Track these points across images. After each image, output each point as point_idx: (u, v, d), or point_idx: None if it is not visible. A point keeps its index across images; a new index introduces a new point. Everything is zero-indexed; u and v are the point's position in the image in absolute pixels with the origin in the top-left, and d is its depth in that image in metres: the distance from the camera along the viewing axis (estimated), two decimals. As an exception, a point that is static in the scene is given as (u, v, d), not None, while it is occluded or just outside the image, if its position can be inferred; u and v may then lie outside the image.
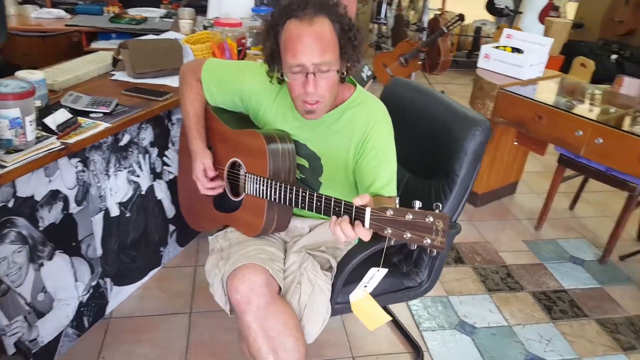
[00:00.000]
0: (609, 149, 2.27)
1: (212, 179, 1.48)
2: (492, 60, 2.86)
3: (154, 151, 2.08)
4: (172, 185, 2.23)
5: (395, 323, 2.05)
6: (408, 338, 1.99)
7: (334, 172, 1.44)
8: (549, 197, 2.75)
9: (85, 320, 1.92)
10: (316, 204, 1.21)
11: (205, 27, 2.50)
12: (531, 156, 3.19)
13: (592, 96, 2.78)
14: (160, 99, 1.80)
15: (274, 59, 1.28)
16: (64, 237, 1.73)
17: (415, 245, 1.05)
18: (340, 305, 1.50)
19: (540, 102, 2.50)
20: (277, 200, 1.32)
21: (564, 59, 4.16)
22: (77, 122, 1.52)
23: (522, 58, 2.75)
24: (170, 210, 2.27)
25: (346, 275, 1.45)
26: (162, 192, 2.19)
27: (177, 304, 2.09)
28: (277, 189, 1.31)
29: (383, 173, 1.34)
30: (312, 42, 1.19)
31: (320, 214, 1.21)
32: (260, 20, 2.40)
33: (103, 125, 1.55)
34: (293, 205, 1.28)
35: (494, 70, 2.85)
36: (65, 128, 1.46)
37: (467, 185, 1.56)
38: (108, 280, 2.00)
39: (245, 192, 1.42)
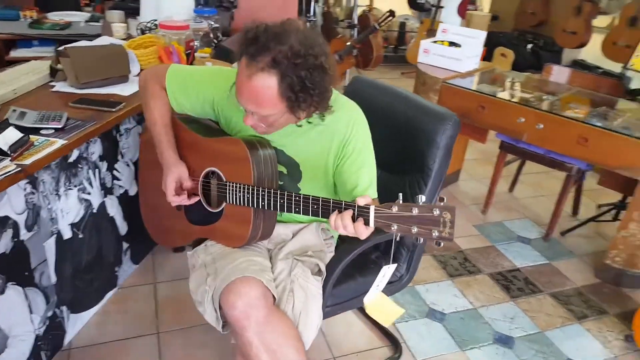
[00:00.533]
0: (549, 133, 2.42)
1: (183, 190, 1.41)
2: (431, 54, 2.95)
3: (104, 165, 1.95)
4: (123, 200, 2.10)
5: (370, 319, 2.07)
6: (384, 332, 2.02)
7: (313, 178, 1.42)
8: (493, 181, 2.89)
9: (43, 355, 1.76)
10: (312, 207, 1.18)
11: (143, 31, 2.37)
12: (469, 144, 3.34)
13: (525, 84, 2.95)
14: (113, 109, 1.68)
15: None
16: (16, 268, 1.57)
17: (422, 239, 1.05)
18: (329, 307, 1.49)
19: (483, 93, 2.61)
20: (265, 208, 1.28)
21: (486, 49, 4.38)
22: (30, 141, 1.38)
23: (460, 51, 2.86)
24: (122, 227, 2.14)
25: (336, 278, 1.44)
26: (113, 208, 2.06)
27: (142, 325, 1.97)
28: (266, 195, 1.26)
29: (365, 176, 1.35)
30: (250, 94, 1.15)
31: (318, 216, 1.18)
32: (206, 22, 2.31)
33: (59, 142, 1.42)
34: (286, 211, 1.24)
35: (434, 65, 2.94)
36: (18, 148, 1.33)
37: (441, 178, 1.59)
38: (64, 308, 1.85)
39: (226, 202, 1.36)
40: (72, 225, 1.81)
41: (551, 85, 2.94)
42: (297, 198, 1.21)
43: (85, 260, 1.92)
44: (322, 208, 1.17)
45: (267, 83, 1.12)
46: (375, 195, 1.36)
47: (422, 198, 1.04)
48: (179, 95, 1.42)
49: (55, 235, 1.73)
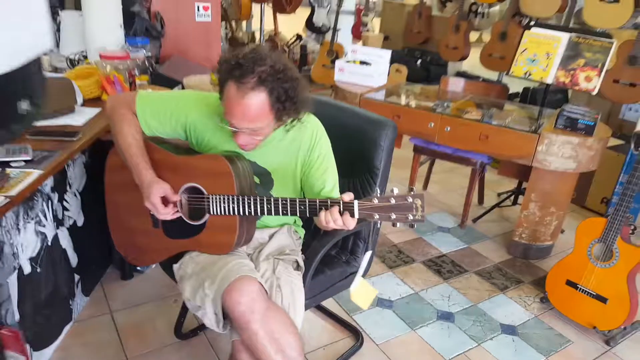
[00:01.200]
0: (456, 134, 2.79)
1: (168, 206, 1.49)
2: (346, 72, 3.24)
3: (55, 196, 1.94)
4: (73, 231, 2.09)
5: (329, 314, 2.24)
6: (344, 324, 2.20)
7: (284, 184, 1.58)
8: (412, 181, 3.23)
9: (13, 396, 1.71)
10: (300, 207, 1.35)
11: (72, 62, 2.38)
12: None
13: (427, 94, 3.34)
14: (74, 139, 1.71)
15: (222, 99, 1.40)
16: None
17: (399, 224, 1.27)
18: (307, 300, 1.64)
19: (398, 104, 2.93)
20: (252, 214, 1.41)
21: (383, 66, 4.82)
22: (6, 174, 1.40)
23: (371, 69, 3.18)
24: (73, 259, 2.12)
25: (313, 271, 1.60)
26: (65, 240, 2.04)
27: (107, 355, 1.96)
28: (252, 203, 1.40)
29: (330, 179, 1.55)
30: (245, 113, 1.32)
31: (305, 216, 1.35)
32: (142, 51, 2.38)
33: (35, 172, 1.44)
34: (273, 214, 1.38)
35: (349, 82, 3.23)
36: (-2, 181, 1.34)
37: (387, 175, 1.83)
38: (27, 346, 1.80)
39: (210, 213, 1.47)
40: (31, 259, 1.79)
41: (449, 94, 3.37)
42: (284, 202, 1.36)
43: (44, 294, 1.89)
44: (309, 208, 1.34)
45: (259, 99, 1.29)
46: (338, 195, 1.56)
47: (395, 190, 1.26)
48: (149, 118, 1.52)
49: (17, 271, 1.70)
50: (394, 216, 1.24)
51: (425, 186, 3.65)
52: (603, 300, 2.20)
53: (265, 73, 1.28)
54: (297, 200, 1.35)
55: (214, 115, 1.51)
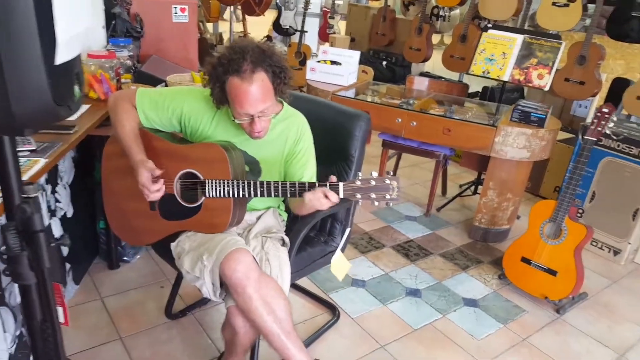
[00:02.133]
0: (421, 128, 3.02)
1: (155, 183, 1.61)
2: (317, 72, 3.43)
3: (48, 188, 2.06)
4: (64, 222, 2.21)
5: (307, 292, 2.43)
6: (321, 301, 2.39)
7: (271, 173, 1.77)
8: (380, 174, 3.43)
9: (16, 373, 1.82)
10: (290, 190, 1.52)
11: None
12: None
13: (393, 93, 3.56)
14: (71, 131, 1.84)
15: (222, 102, 1.58)
16: (-11, 286, 1.66)
17: (377, 203, 1.47)
18: (292, 274, 1.81)
19: (367, 101, 3.15)
20: (246, 196, 1.58)
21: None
22: (16, 161, 1.52)
23: (342, 69, 3.38)
24: (65, 248, 2.23)
25: (296, 249, 1.78)
26: (57, 229, 2.16)
27: (101, 335, 2.09)
28: (246, 186, 1.56)
29: (309, 170, 1.76)
30: (255, 97, 1.50)
31: (295, 197, 1.52)
32: (126, 51, 2.50)
33: (42, 161, 1.57)
34: (266, 196, 1.56)
35: (321, 81, 3.42)
36: (10, 167, 1.47)
37: (361, 163, 2.03)
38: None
39: (206, 196, 1.63)
40: (30, 246, 1.90)
41: (414, 92, 3.61)
42: (276, 184, 1.54)
43: (41, 280, 2.00)
44: (298, 189, 1.52)
45: (261, 79, 1.49)
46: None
47: (374, 173, 1.46)
48: (148, 111, 1.68)
49: (18, 256, 1.82)
50: (373, 195, 1.44)
51: (392, 179, 3.87)
52: (553, 273, 2.46)
53: (255, 56, 1.47)
54: (288, 183, 1.53)
55: (208, 108, 1.67)
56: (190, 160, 1.66)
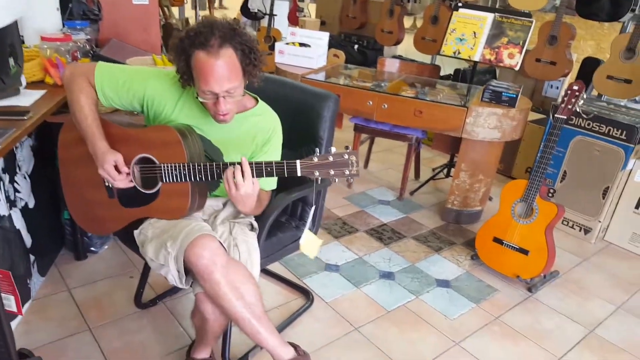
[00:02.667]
0: (393, 110, 3.00)
1: (121, 174, 1.56)
2: (286, 54, 3.37)
3: (6, 178, 1.98)
4: (25, 213, 2.13)
5: (280, 278, 2.41)
6: (295, 286, 2.37)
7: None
8: (353, 158, 3.41)
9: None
10: (257, 169, 1.46)
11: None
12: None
13: (364, 75, 3.53)
14: (25, 117, 1.75)
15: (187, 79, 1.50)
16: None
17: (336, 179, 1.42)
18: (262, 260, 1.78)
19: (337, 84, 3.11)
20: (203, 179, 1.52)
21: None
22: (-36, 149, 1.45)
23: (311, 51, 3.33)
24: (28, 240, 2.16)
25: (266, 234, 1.75)
26: (19, 220, 2.08)
27: (70, 326, 2.03)
28: (202, 169, 1.50)
29: None
30: (220, 73, 1.42)
31: (253, 177, 1.46)
32: (82, 34, 2.41)
33: (-7, 148, 1.50)
34: (222, 178, 1.50)
35: (289, 63, 3.37)
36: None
37: (330, 144, 1.99)
38: None
39: (163, 181, 1.57)
40: (-12, 238, 1.83)
41: (385, 74, 3.58)
42: (232, 164, 1.46)
43: (1, 273, 1.93)
44: (255, 170, 1.45)
45: (229, 55, 1.42)
46: (274, 187, 1.75)
47: (333, 149, 1.42)
48: (108, 90, 1.60)
49: (-25, 249, 1.75)
50: (332, 172, 1.40)
51: (365, 165, 3.86)
52: (525, 252, 2.48)
53: (224, 32, 1.41)
54: (246, 162, 1.45)
55: (173, 91, 1.61)
56: (144, 144, 1.59)
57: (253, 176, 1.44)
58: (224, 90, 1.45)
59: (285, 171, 1.44)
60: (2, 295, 1.30)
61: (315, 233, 2.04)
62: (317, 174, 1.41)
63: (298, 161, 1.42)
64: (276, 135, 1.72)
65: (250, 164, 1.44)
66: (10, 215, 2.00)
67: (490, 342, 2.15)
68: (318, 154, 1.42)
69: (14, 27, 0.80)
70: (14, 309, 1.27)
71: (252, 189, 1.44)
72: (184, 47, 1.43)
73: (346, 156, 1.39)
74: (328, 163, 1.40)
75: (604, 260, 2.90)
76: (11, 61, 0.80)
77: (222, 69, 1.42)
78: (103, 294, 2.24)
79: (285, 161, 1.44)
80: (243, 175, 1.42)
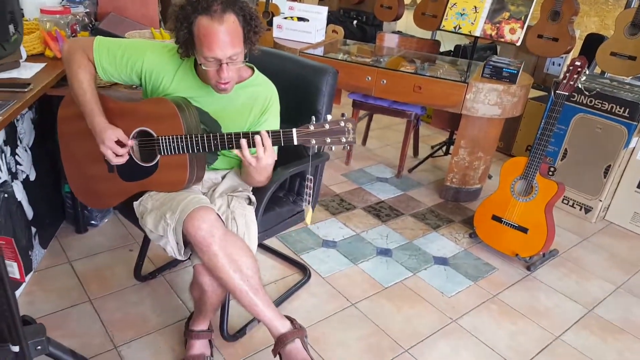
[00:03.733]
0: (391, 86, 2.98)
1: (123, 149, 1.57)
2: (284, 29, 3.34)
3: (8, 150, 1.98)
4: (26, 185, 2.13)
5: (278, 253, 2.42)
6: (292, 262, 2.39)
7: None
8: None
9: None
10: (243, 139, 1.45)
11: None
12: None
13: (363, 51, 3.50)
14: (25, 90, 1.75)
15: (188, 47, 1.48)
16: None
17: (333, 147, 1.42)
18: (260, 234, 1.79)
19: (335, 59, 3.08)
20: (201, 150, 1.51)
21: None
22: (-37, 120, 1.44)
23: (309, 25, 3.29)
24: (29, 212, 2.17)
25: (264, 208, 1.75)
26: (20, 192, 2.09)
27: (71, 297, 2.06)
28: (200, 140, 1.49)
29: None
30: (224, 38, 1.41)
31: (250, 147, 1.46)
32: (81, 7, 2.38)
33: (-8, 119, 1.50)
34: (220, 149, 1.50)
35: (288, 38, 3.34)
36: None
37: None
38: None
39: (161, 154, 1.57)
40: (-11, 210, 1.84)
41: (385, 50, 3.54)
42: (229, 135, 1.47)
43: (2, 245, 1.94)
44: (252, 139, 1.44)
45: (232, 21, 1.41)
46: (275, 157, 1.67)
47: (329, 117, 1.41)
48: (106, 64, 1.59)
49: (-24, 220, 1.76)
50: (328, 140, 1.40)
51: (364, 142, 3.85)
52: (524, 230, 2.49)
53: None
54: (241, 133, 1.45)
55: (171, 63, 1.60)
56: (142, 117, 1.58)
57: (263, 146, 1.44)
58: (227, 56, 1.44)
59: (282, 139, 1.43)
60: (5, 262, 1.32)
61: (313, 209, 2.05)
62: (313, 142, 1.40)
63: (294, 129, 1.41)
64: (274, 104, 1.70)
65: (247, 133, 1.44)
66: (11, 187, 2.00)
67: (488, 320, 2.17)
68: (314, 122, 1.41)
69: (13, -4, 0.79)
70: (17, 275, 1.29)
71: (272, 160, 1.47)
72: (186, 14, 1.42)
73: (342, 123, 1.39)
74: (324, 131, 1.40)
75: (604, 239, 2.91)
76: (11, 28, 0.79)
77: (226, 34, 1.41)
78: (103, 266, 2.26)
79: (281, 129, 1.43)
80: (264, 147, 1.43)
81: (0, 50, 0.77)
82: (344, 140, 1.39)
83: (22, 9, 2.50)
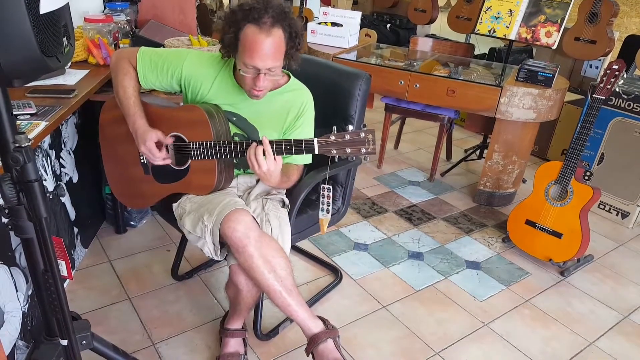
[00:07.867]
0: (424, 90, 2.98)
1: (160, 150, 1.63)
2: (318, 35, 3.38)
3: (53, 153, 2.08)
4: (70, 186, 2.23)
5: (310, 255, 2.46)
6: (324, 264, 2.42)
7: None
8: (383, 140, 3.42)
9: (29, 330, 1.87)
10: (285, 147, 1.50)
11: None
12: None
13: (397, 55, 3.51)
14: (71, 96, 1.84)
15: (230, 49, 1.55)
16: (1, 248, 1.69)
17: (354, 157, 1.44)
18: (293, 236, 1.83)
19: (369, 63, 3.10)
20: (228, 157, 1.57)
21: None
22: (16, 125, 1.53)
23: (343, 30, 3.32)
24: (72, 213, 2.27)
25: (297, 211, 1.79)
26: (64, 194, 2.19)
27: (111, 295, 2.14)
28: (227, 147, 1.55)
29: None
30: (267, 51, 1.47)
31: (282, 154, 1.49)
32: (123, 15, 2.48)
33: (43, 123, 1.58)
34: (240, 156, 1.54)
35: (322, 43, 3.38)
36: (11, 130, 1.48)
37: (361, 123, 2.01)
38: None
39: (192, 158, 1.63)
40: (35, 210, 1.93)
41: (418, 53, 3.55)
42: (255, 143, 1.51)
43: (48, 243, 2.04)
44: (275, 148, 1.48)
45: (278, 36, 1.47)
46: (309, 161, 1.78)
47: (350, 127, 1.43)
48: (148, 72, 1.67)
49: (24, 220, 1.85)
50: (349, 150, 1.42)
51: (396, 145, 3.86)
52: (558, 235, 2.45)
53: (277, 12, 1.45)
54: (274, 141, 1.49)
55: (209, 70, 1.66)
56: (176, 123, 1.66)
57: (274, 154, 1.48)
58: (266, 67, 1.50)
59: (304, 149, 1.47)
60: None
61: (344, 213, 2.08)
62: (334, 151, 1.43)
63: (315, 139, 1.45)
64: (309, 109, 1.75)
65: (271, 142, 1.48)
66: (64, 189, 2.10)
67: (520, 325, 2.15)
68: (335, 132, 1.44)
69: (66, 8, 0.85)
70: (65, 273, 1.36)
71: (274, 166, 1.49)
72: (236, 19, 1.48)
73: (363, 134, 1.41)
74: (345, 141, 1.42)
75: (640, 245, 2.84)
76: (65, 41, 0.85)
77: (270, 47, 1.46)
78: (142, 265, 2.34)
79: (303, 139, 1.47)
80: (265, 154, 1.46)
81: (55, 62, 0.82)
82: (364, 150, 1.41)
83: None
